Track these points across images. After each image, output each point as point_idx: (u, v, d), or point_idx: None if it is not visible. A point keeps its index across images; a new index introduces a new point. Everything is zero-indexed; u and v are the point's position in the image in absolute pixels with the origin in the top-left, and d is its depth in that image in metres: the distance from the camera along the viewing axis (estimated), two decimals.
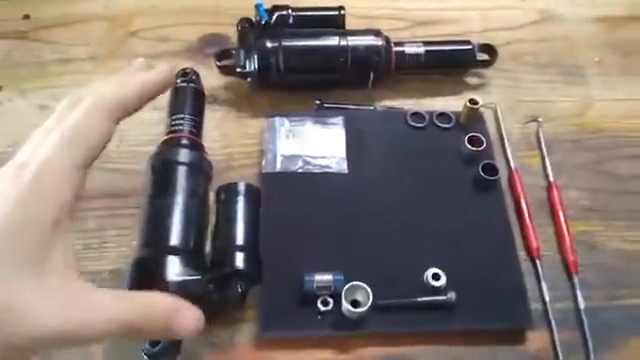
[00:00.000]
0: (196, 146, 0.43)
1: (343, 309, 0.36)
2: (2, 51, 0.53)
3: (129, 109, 0.30)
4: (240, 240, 0.37)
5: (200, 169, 0.42)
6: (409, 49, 0.48)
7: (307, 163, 0.44)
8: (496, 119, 0.48)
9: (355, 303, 0.36)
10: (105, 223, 0.42)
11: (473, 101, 0.45)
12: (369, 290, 0.36)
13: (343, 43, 0.46)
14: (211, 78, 0.49)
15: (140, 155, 0.42)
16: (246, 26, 0.49)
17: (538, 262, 0.41)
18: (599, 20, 0.56)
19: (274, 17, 0.48)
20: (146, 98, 0.32)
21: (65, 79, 0.51)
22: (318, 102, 0.48)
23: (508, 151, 0.46)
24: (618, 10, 0.57)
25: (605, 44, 0.54)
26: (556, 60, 0.53)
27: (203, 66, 0.48)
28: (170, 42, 0.54)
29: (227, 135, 0.47)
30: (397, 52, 0.48)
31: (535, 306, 0.39)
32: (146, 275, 0.35)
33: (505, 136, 0.47)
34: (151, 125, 0.45)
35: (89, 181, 0.43)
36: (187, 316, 0.29)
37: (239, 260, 0.36)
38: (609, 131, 0.48)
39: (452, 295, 0.37)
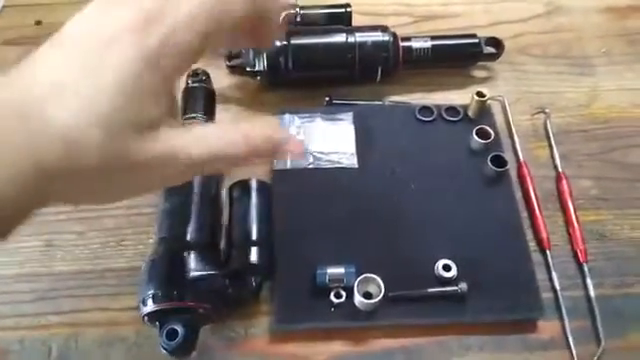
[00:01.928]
0: None
1: (355, 301, 0.37)
2: (15, 58, 0.53)
3: None
4: (254, 235, 0.38)
5: None
6: (416, 44, 0.48)
7: (317, 159, 0.45)
8: (504, 111, 0.49)
9: (367, 295, 0.37)
10: (122, 222, 0.43)
11: (480, 94, 0.45)
12: (381, 282, 0.37)
13: (351, 40, 0.46)
14: (221, 78, 0.50)
15: None
16: None
17: (548, 252, 0.41)
18: (605, 10, 0.56)
19: (281, 16, 0.48)
20: None
21: None
22: (327, 99, 0.48)
23: (516, 143, 0.46)
24: (626, 0, 0.57)
25: (612, 34, 0.54)
26: (563, 51, 0.53)
27: (213, 66, 0.49)
28: None
29: None
30: (404, 47, 0.48)
31: (546, 295, 0.39)
32: (164, 271, 0.36)
33: (513, 128, 0.47)
34: None
35: None
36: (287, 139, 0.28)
37: (253, 255, 0.37)
38: (617, 120, 0.49)
39: (463, 286, 0.38)
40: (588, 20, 0.56)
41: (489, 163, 0.43)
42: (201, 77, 0.48)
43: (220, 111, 0.49)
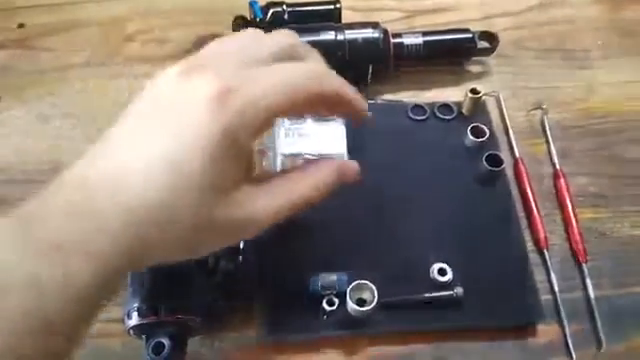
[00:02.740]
0: None
1: (349, 308, 0.36)
2: None
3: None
4: (241, 244, 0.37)
5: None
6: (408, 40, 0.47)
7: (308, 161, 0.43)
8: (499, 108, 0.47)
9: (361, 302, 0.36)
10: None
11: (474, 90, 0.44)
12: (374, 288, 0.36)
13: (340, 37, 0.45)
14: None
15: None
16: (241, 24, 0.48)
17: (546, 253, 0.40)
18: (600, 1, 0.55)
19: (269, 14, 0.47)
20: None
21: (64, 87, 0.50)
22: None
23: (513, 140, 0.45)
24: None
25: (608, 26, 0.53)
26: (559, 45, 0.52)
27: None
28: (167, 44, 0.53)
29: None
30: (395, 44, 0.47)
31: (545, 297, 0.38)
32: (149, 283, 0.35)
33: (509, 124, 0.46)
34: None
35: None
36: (349, 165, 0.31)
37: (241, 264, 0.36)
38: (615, 115, 0.47)
39: (459, 290, 0.37)
40: (583, 12, 0.54)
41: (484, 162, 0.42)
42: None
43: None
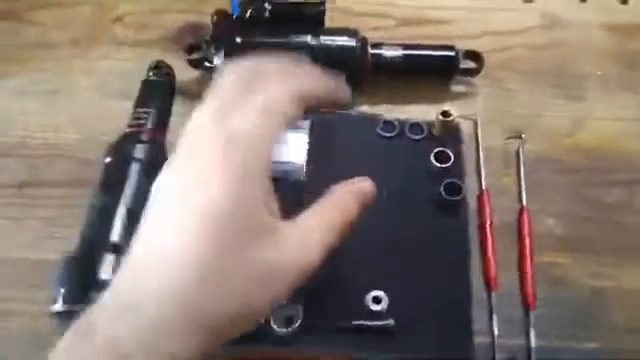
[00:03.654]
0: (155, 142, 0.42)
1: (274, 326, 0.35)
2: None
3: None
4: None
5: (155, 167, 0.41)
6: (387, 52, 0.45)
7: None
8: (475, 132, 0.45)
9: (287, 320, 0.35)
10: (63, 212, 0.42)
11: (446, 113, 0.42)
12: (300, 308, 0.35)
13: (314, 42, 0.44)
14: (188, 71, 0.48)
15: (104, 145, 0.42)
16: (221, 18, 0.47)
17: (494, 293, 0.38)
18: (608, 27, 0.51)
19: (249, 11, 0.46)
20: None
21: (47, 64, 0.51)
22: None
23: (482, 169, 0.43)
24: (633, 18, 0.52)
25: (611, 56, 0.49)
26: (553, 70, 0.49)
27: (181, 58, 0.47)
28: (152, 30, 0.53)
29: None
30: (374, 55, 0.45)
31: (483, 339, 0.36)
32: (77, 271, 0.35)
33: (481, 152, 0.44)
34: (121, 115, 0.44)
35: (50, 169, 0.45)
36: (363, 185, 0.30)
37: None
38: (600, 152, 0.44)
39: (390, 321, 0.36)
40: (587, 37, 0.51)
41: (442, 190, 0.40)
42: (162, 70, 0.47)
43: (181, 107, 0.47)
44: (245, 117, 0.24)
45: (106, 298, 0.22)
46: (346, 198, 0.28)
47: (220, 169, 0.22)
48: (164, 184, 0.24)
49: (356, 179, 0.30)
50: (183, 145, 0.24)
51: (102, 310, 0.21)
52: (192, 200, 0.22)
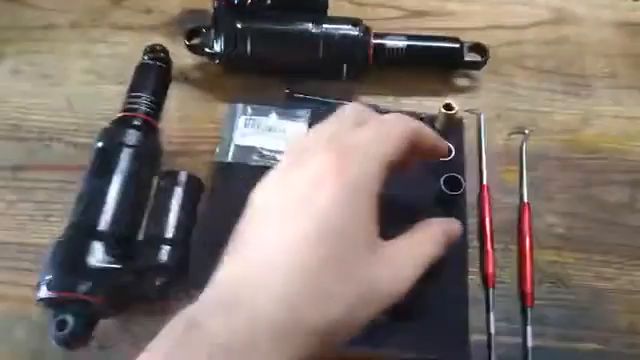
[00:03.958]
0: (148, 128, 0.42)
1: None
2: None
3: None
4: (169, 233, 0.36)
5: (146, 153, 0.40)
6: (390, 42, 0.44)
7: (263, 156, 0.42)
8: (478, 127, 0.44)
9: None
10: (54, 196, 0.42)
11: (449, 106, 0.41)
12: None
13: (316, 30, 0.43)
14: (186, 56, 0.47)
15: (98, 130, 0.41)
16: (222, 3, 0.46)
17: (492, 290, 0.37)
18: (619, 24, 0.50)
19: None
20: None
21: (44, 46, 0.50)
22: (287, 91, 0.45)
23: (484, 164, 0.42)
24: None
25: (620, 53, 0.48)
26: (560, 67, 0.48)
27: (181, 43, 0.46)
28: (152, 14, 0.52)
29: (190, 117, 0.45)
30: (377, 45, 0.44)
31: (479, 337, 0.36)
32: (64, 258, 0.34)
33: (484, 147, 0.43)
34: (119, 100, 0.43)
35: (46, 152, 0.44)
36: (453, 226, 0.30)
37: (163, 255, 0.35)
38: (605, 152, 0.43)
39: (382, 318, 0.35)
40: (596, 33, 0.50)
41: (442, 184, 0.39)
42: (158, 54, 0.46)
43: (177, 91, 0.46)
44: (363, 134, 0.26)
45: (209, 295, 0.23)
46: (438, 234, 0.28)
47: (335, 179, 0.24)
48: (270, 194, 0.26)
49: (448, 219, 0.31)
50: (292, 155, 0.26)
51: (205, 309, 0.22)
52: (311, 204, 0.23)
